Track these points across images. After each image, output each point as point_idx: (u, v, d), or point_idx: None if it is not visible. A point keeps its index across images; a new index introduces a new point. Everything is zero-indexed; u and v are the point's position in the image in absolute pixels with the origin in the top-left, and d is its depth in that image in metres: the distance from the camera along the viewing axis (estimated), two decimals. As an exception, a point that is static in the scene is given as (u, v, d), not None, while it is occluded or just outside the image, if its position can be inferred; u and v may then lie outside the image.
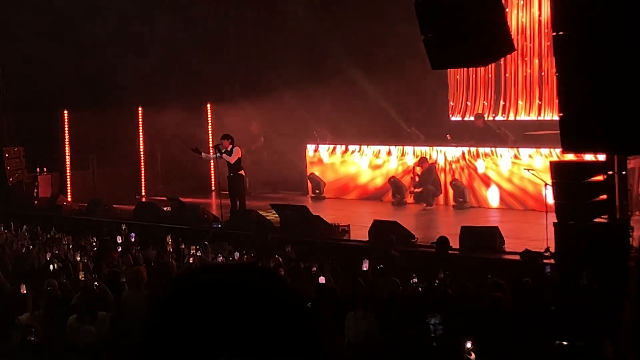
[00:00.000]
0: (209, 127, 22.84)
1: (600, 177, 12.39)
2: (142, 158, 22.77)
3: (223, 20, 21.81)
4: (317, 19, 20.63)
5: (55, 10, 20.74)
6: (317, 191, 20.71)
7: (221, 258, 13.04)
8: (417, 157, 19.05)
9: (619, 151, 11.94)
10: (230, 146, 17.59)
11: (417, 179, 18.68)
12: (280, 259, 12.60)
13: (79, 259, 13.22)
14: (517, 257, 13.09)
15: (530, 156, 17.31)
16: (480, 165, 18.19)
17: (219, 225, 16.68)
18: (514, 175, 17.61)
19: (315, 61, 21.22)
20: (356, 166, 20.30)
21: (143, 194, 22.48)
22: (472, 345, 7.99)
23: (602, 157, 13.21)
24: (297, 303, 1.66)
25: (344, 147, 20.59)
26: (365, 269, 12.08)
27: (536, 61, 20.15)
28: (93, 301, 10.09)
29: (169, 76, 21.40)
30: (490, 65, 19.42)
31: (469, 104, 21.22)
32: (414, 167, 18.89)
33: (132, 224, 16.66)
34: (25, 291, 10.99)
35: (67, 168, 21.92)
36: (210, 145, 20.28)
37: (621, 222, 12.27)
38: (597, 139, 11.28)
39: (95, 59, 20.97)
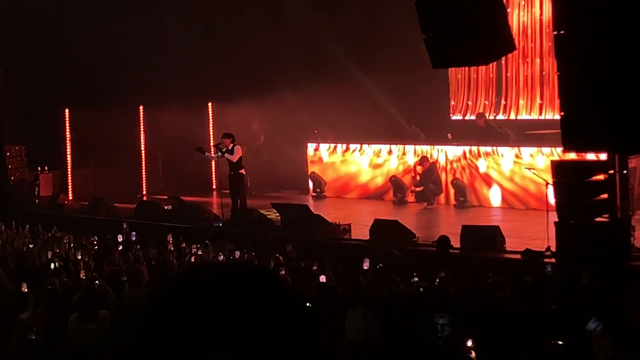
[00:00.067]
0: (210, 126, 22.85)
1: (601, 177, 12.39)
2: (143, 157, 22.77)
3: (224, 19, 21.81)
4: (318, 18, 20.62)
5: (57, 8, 20.75)
6: (318, 190, 20.71)
7: (222, 257, 13.04)
8: (418, 156, 19.04)
9: (620, 150, 11.95)
10: (232, 145, 17.60)
11: (418, 178, 18.68)
12: (281, 258, 12.60)
13: (80, 257, 13.22)
14: (518, 257, 13.09)
15: (531, 155, 17.30)
16: (482, 165, 18.19)
17: (220, 224, 16.69)
18: (515, 175, 17.60)
19: (316, 60, 21.22)
20: (357, 165, 20.30)
21: (144, 192, 22.49)
22: (472, 343, 8.00)
23: (603, 157, 13.22)
24: (296, 302, 1.66)
25: (344, 146, 20.59)
26: (366, 268, 12.08)
27: (537, 61, 20.15)
28: (94, 300, 10.09)
29: (170, 75, 21.40)
30: (491, 65, 19.44)
31: (470, 103, 21.22)
32: (414, 166, 18.88)
33: (133, 222, 16.67)
34: (26, 290, 11.00)
35: (69, 167, 21.94)
36: (212, 144, 20.28)
37: (622, 221, 12.27)
38: (598, 138, 11.29)
39: (97, 58, 20.97)
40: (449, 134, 19.35)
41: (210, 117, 22.96)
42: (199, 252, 13.34)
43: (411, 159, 19.22)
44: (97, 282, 11.06)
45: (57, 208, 19.83)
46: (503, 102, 20.63)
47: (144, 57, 20.84)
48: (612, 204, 12.22)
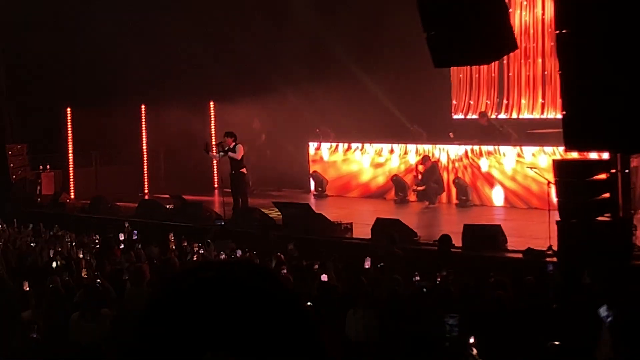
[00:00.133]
0: (212, 124, 22.85)
1: (603, 176, 12.38)
2: (145, 156, 22.79)
3: (226, 19, 21.81)
4: (320, 17, 20.61)
5: (59, 8, 20.76)
6: (320, 189, 20.71)
7: (224, 256, 13.04)
8: (419, 155, 19.04)
9: (621, 149, 11.94)
10: (233, 144, 17.60)
11: (419, 177, 18.68)
12: (283, 257, 12.60)
13: (81, 256, 13.23)
14: (520, 256, 13.08)
15: (533, 154, 17.30)
16: (484, 164, 18.18)
17: (222, 223, 16.70)
18: (517, 174, 17.60)
19: (317, 59, 21.21)
20: (358, 164, 20.30)
21: (146, 191, 22.51)
22: (474, 340, 8.00)
23: (605, 156, 13.20)
24: (297, 302, 1.66)
25: (346, 145, 20.59)
26: (367, 266, 12.08)
27: (539, 60, 20.13)
28: (95, 299, 10.08)
29: (172, 74, 21.41)
30: (493, 64, 19.43)
31: (471, 102, 21.21)
32: (416, 165, 18.88)
33: (135, 221, 16.68)
34: (28, 288, 11.00)
35: (70, 165, 21.96)
36: (213, 143, 20.29)
37: (624, 220, 12.26)
38: (600, 137, 11.29)
39: (99, 56, 20.99)
40: (450, 133, 19.35)
41: (212, 116, 22.97)
42: (201, 251, 13.35)
43: (413, 158, 19.22)
44: (98, 280, 11.07)
45: (59, 207, 19.85)
46: (505, 101, 20.62)
47: (146, 56, 20.85)
48: (614, 203, 12.21)
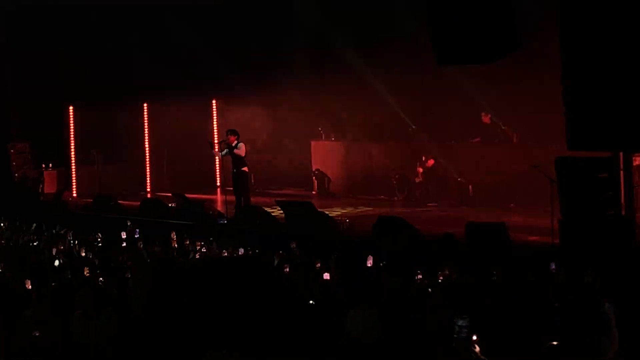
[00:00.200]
0: (214, 122, 22.85)
1: (606, 174, 12.36)
2: (148, 154, 22.80)
3: (229, 16, 21.80)
4: (323, 15, 20.59)
5: (60, 7, 20.78)
6: (323, 187, 20.71)
7: (226, 254, 13.04)
8: (422, 153, 19.04)
9: (624, 148, 11.93)
10: (236, 142, 17.60)
11: (422, 175, 18.68)
12: (285, 255, 12.60)
13: (84, 254, 13.24)
14: (522, 254, 13.07)
15: (536, 153, 17.25)
16: (486, 162, 18.16)
17: (224, 222, 16.70)
18: (520, 172, 17.55)
19: (320, 57, 21.19)
20: (361, 162, 20.29)
21: (148, 190, 22.53)
22: (477, 337, 7.99)
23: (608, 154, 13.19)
24: (298, 300, 1.66)
25: (349, 143, 20.57)
26: (369, 265, 12.07)
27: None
28: (97, 297, 10.09)
29: (174, 72, 21.40)
30: (496, 63, 19.36)
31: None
32: (419, 164, 18.87)
33: (137, 220, 16.67)
34: (30, 286, 11.00)
35: (73, 164, 21.98)
36: (216, 141, 20.29)
37: (627, 219, 12.25)
38: (602, 136, 11.27)
39: (101, 55, 21.00)
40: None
41: (215, 114, 22.97)
42: (203, 250, 13.34)
43: (415, 157, 19.21)
44: (100, 279, 11.07)
45: (62, 205, 19.85)
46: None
47: (149, 55, 20.84)
48: (617, 202, 12.20)
